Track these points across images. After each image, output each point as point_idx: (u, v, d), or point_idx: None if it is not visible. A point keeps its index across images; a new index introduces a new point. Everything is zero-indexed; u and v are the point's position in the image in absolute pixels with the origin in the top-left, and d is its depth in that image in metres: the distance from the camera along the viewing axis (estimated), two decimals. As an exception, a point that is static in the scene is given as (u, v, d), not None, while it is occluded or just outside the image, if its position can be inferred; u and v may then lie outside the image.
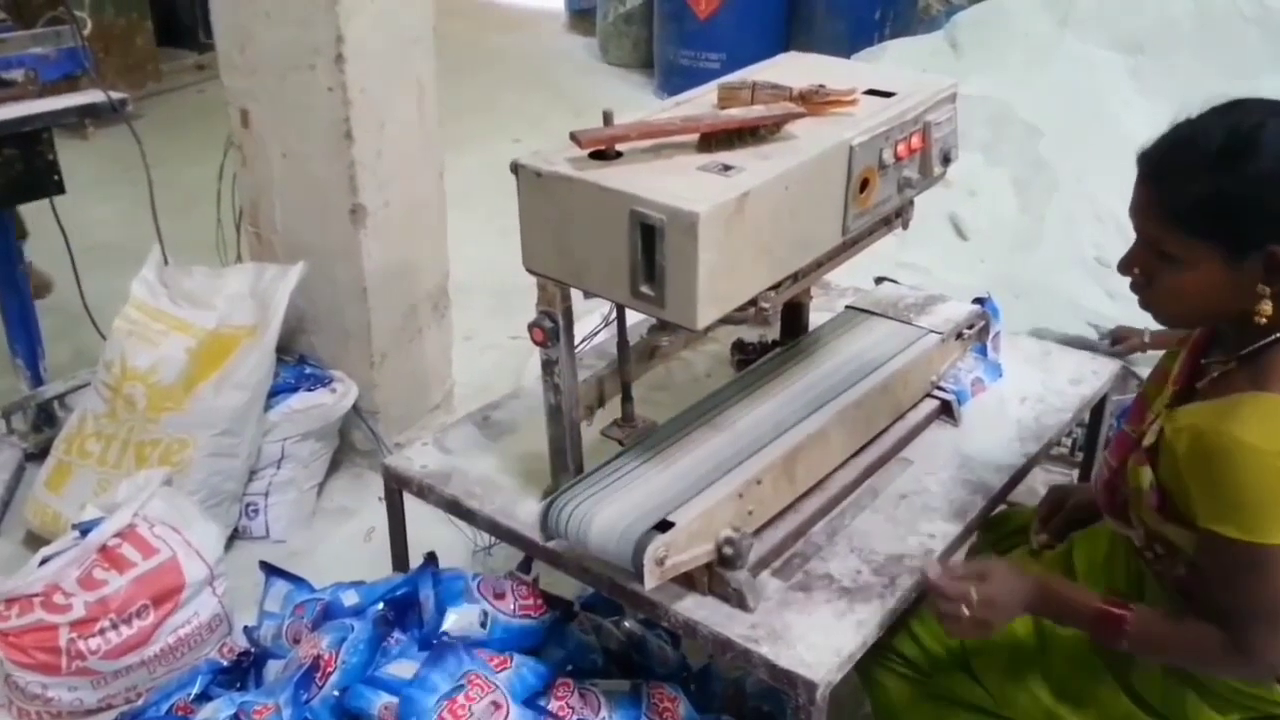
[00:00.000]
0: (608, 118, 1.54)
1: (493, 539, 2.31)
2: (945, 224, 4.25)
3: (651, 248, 1.44)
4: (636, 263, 1.46)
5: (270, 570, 2.47)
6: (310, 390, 2.75)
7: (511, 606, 1.82)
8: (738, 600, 1.61)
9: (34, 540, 2.62)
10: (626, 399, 1.81)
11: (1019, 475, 1.94)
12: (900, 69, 4.68)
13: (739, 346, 2.23)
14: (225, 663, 2.04)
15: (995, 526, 2.02)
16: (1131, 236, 1.58)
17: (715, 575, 1.62)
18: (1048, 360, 2.24)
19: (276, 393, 2.72)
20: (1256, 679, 1.53)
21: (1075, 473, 2.62)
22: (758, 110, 1.58)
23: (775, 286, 1.62)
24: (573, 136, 1.51)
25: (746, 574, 1.61)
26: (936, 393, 2.04)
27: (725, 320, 1.57)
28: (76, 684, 2.15)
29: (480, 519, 1.84)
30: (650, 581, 1.51)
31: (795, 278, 1.68)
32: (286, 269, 2.65)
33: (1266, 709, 1.56)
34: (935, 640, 1.78)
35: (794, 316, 2.18)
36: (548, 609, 1.85)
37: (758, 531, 1.70)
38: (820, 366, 1.95)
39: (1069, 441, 2.68)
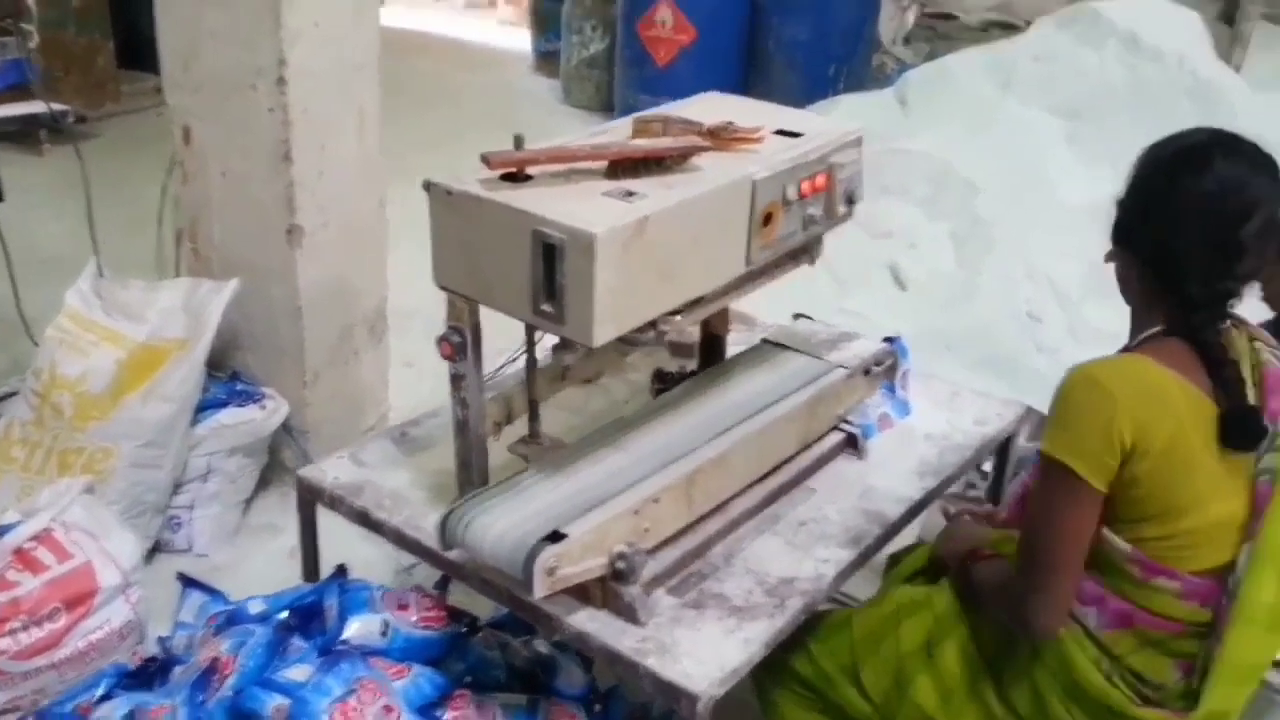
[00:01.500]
0: (518, 142, 1.61)
1: (416, 559, 2.34)
2: (885, 274, 4.36)
3: (552, 267, 1.50)
4: (538, 281, 1.52)
5: (187, 582, 2.49)
6: (240, 406, 2.77)
7: (414, 618, 1.85)
8: (629, 614, 1.66)
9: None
10: (534, 417, 1.86)
11: (916, 508, 2.00)
12: (842, 120, 4.83)
13: (659, 376, 2.29)
14: (131, 666, 2.05)
15: (902, 563, 2.09)
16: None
17: (609, 589, 1.66)
18: (955, 401, 2.32)
19: (206, 407, 2.74)
20: (1025, 629, 1.61)
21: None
22: (664, 142, 1.66)
23: (678, 311, 1.68)
24: (483, 158, 1.57)
25: (639, 589, 1.66)
26: (844, 426, 2.11)
27: (626, 341, 1.63)
28: (-18, 686, 2.15)
29: (388, 530, 1.88)
30: (539, 590, 1.55)
31: (700, 303, 1.74)
32: (221, 285, 2.68)
33: None
34: (828, 659, 1.83)
35: (712, 348, 2.25)
36: (450, 622, 1.88)
37: (655, 549, 1.74)
38: (729, 395, 2.01)
39: (983, 485, 2.75)
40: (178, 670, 1.98)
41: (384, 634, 1.81)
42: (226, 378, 2.87)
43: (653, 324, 1.62)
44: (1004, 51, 4.96)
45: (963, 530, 1.87)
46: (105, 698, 1.97)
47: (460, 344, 1.68)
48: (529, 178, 1.61)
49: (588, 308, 1.48)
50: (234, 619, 1.93)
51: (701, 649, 1.62)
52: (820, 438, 2.08)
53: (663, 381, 2.27)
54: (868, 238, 4.46)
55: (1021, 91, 4.68)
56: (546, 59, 7.50)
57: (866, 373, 2.15)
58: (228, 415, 2.75)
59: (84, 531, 2.29)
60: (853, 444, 2.10)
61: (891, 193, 4.53)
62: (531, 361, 1.80)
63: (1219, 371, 1.53)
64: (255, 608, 1.95)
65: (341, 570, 2.02)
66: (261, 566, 2.81)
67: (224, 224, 2.77)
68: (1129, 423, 1.48)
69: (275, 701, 1.66)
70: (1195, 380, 1.52)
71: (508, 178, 1.60)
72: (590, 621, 1.66)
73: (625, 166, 1.62)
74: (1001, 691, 1.69)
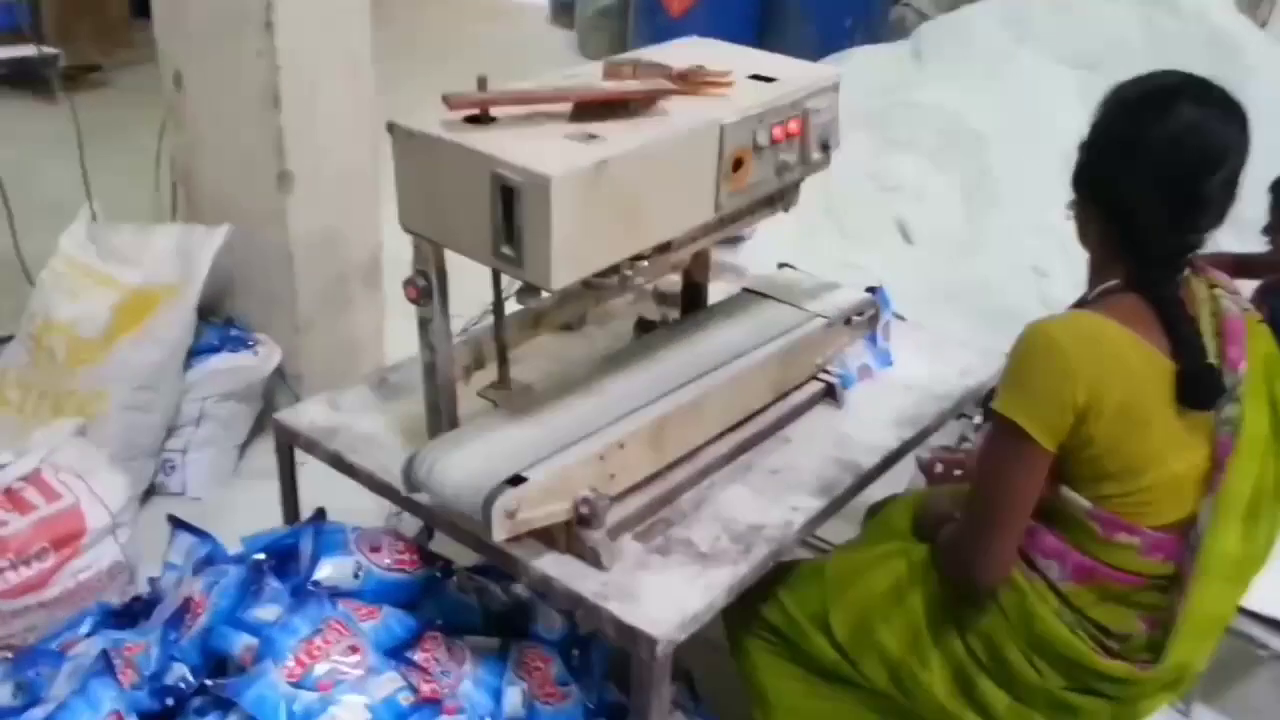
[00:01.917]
0: (481, 83, 1.59)
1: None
2: (891, 226, 4.32)
3: (511, 209, 1.49)
4: (498, 223, 1.51)
5: (176, 524, 2.52)
6: (233, 352, 2.80)
7: (386, 560, 1.86)
8: (593, 559, 1.66)
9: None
10: (503, 361, 1.86)
11: (892, 458, 2.00)
12: (855, 72, 4.74)
13: (642, 324, 2.28)
14: (116, 605, 2.08)
15: (885, 513, 2.09)
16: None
17: (574, 534, 1.67)
18: (939, 351, 2.30)
19: (199, 353, 2.77)
20: (968, 583, 1.63)
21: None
22: (630, 84, 1.64)
23: (644, 257, 1.67)
24: (444, 99, 1.56)
25: (603, 534, 1.67)
26: (822, 376, 2.10)
27: (592, 286, 1.62)
28: (-27, 622, 2.19)
29: (360, 474, 1.89)
30: (499, 534, 1.56)
31: (668, 249, 1.73)
32: (213, 230, 2.70)
33: (1086, 678, 1.62)
34: (799, 607, 1.84)
35: (693, 296, 2.24)
36: (423, 565, 1.90)
37: (622, 495, 1.75)
38: (705, 343, 2.00)
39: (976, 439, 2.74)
40: (158, 609, 2.01)
41: (356, 576, 1.83)
42: (220, 323, 2.90)
43: (616, 269, 1.62)
44: (1022, 3, 4.86)
45: (935, 499, 1.86)
46: (88, 636, 2.00)
47: (426, 288, 1.68)
48: (493, 120, 1.60)
49: (545, 251, 1.47)
50: (211, 559, 1.95)
51: (664, 595, 1.63)
52: (798, 387, 2.07)
53: (645, 330, 2.27)
54: (875, 191, 4.42)
55: (1037, 43, 4.59)
56: (563, 10, 7.43)
57: (847, 322, 2.13)
58: (220, 361, 2.78)
59: (73, 473, 2.33)
60: (831, 394, 2.09)
61: (901, 146, 4.48)
62: (499, 306, 1.80)
63: (1176, 329, 1.50)
64: (233, 549, 1.97)
65: (320, 514, 2.04)
66: (255, 510, 2.83)
67: (215, 170, 2.78)
68: (1083, 383, 1.47)
69: (244, 641, 1.69)
70: (1152, 338, 1.51)
71: (471, 120, 1.59)
72: (554, 565, 1.67)
73: (590, 110, 1.60)
74: (966, 640, 1.70)
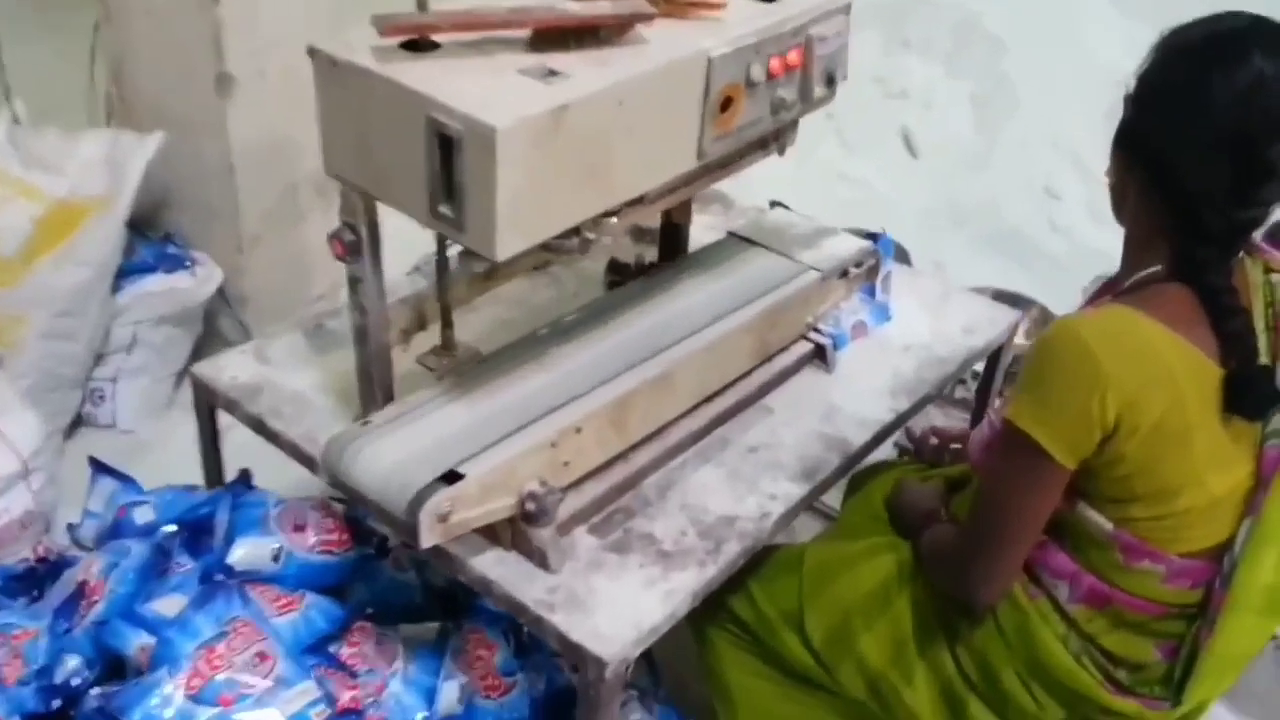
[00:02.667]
0: (421, 3, 1.32)
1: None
2: (895, 137, 4.03)
3: (450, 162, 1.23)
4: (435, 178, 1.26)
5: (97, 467, 2.30)
6: (169, 272, 2.54)
7: (310, 540, 1.66)
8: (540, 560, 1.46)
9: None
10: (446, 324, 1.62)
11: (884, 433, 1.78)
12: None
13: (613, 267, 2.04)
14: (18, 569, 1.88)
15: (863, 483, 1.89)
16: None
17: (519, 530, 1.46)
18: (944, 305, 2.06)
19: (131, 272, 2.51)
20: (964, 597, 1.45)
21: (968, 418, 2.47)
22: (602, 7, 1.36)
23: (612, 214, 1.42)
24: (375, 21, 1.28)
25: (552, 532, 1.45)
26: (812, 335, 1.86)
27: (546, 249, 1.38)
28: None
29: (284, 443, 1.67)
30: (428, 539, 1.34)
31: (639, 204, 1.48)
32: (144, 138, 2.42)
33: (1089, 712, 1.44)
34: (770, 603, 1.66)
35: (673, 237, 1.99)
36: (353, 545, 1.69)
37: (578, 482, 1.53)
38: (681, 300, 1.76)
39: (973, 384, 2.52)
40: (66, 577, 1.81)
41: (275, 559, 1.62)
42: (158, 239, 2.63)
43: (577, 230, 1.37)
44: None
45: (916, 491, 1.65)
46: (-14, 604, 1.81)
47: (354, 243, 1.43)
48: (436, 47, 1.32)
49: (489, 215, 1.22)
50: (116, 530, 1.74)
51: (617, 603, 1.43)
52: (784, 349, 1.83)
53: (617, 273, 2.03)
54: (881, 97, 4.12)
55: (1066, -64, 4.24)
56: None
57: (843, 275, 1.89)
58: (154, 282, 2.52)
59: (-20, 412, 2.10)
60: (820, 355, 1.86)
61: (911, 47, 4.16)
62: (442, 262, 1.55)
63: (1226, 324, 1.27)
64: (142, 516, 1.76)
65: (244, 477, 1.83)
66: (191, 444, 2.62)
67: (149, 70, 2.48)
68: (1115, 397, 1.24)
69: (140, 640, 1.49)
70: (1196, 337, 1.28)
71: (409, 46, 1.32)
72: (496, 565, 1.47)
73: (552, 37, 1.33)
74: (956, 655, 1.51)
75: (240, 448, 1.91)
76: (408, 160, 1.27)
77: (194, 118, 2.44)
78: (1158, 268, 1.33)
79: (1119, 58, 3.92)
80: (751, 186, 2.60)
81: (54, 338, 2.35)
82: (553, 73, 1.29)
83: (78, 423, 2.55)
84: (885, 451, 2.08)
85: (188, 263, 2.57)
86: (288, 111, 2.52)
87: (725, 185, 2.36)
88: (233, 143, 2.45)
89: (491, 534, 1.48)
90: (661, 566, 1.49)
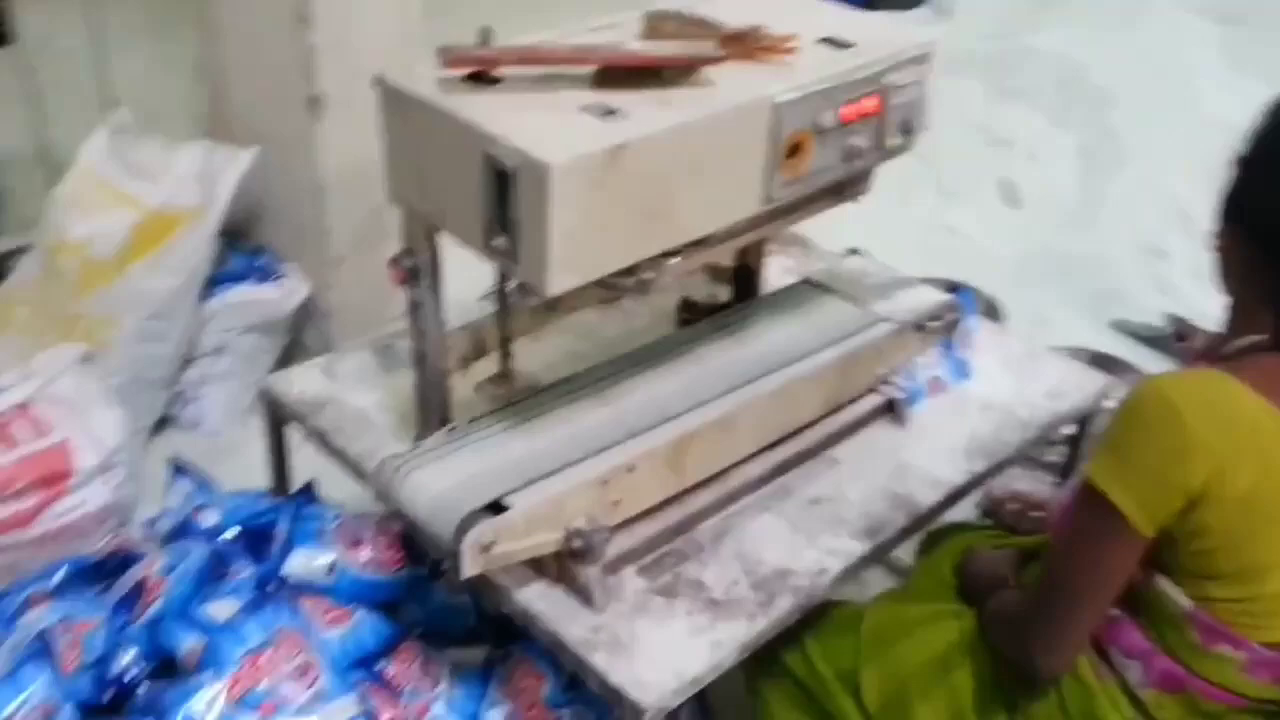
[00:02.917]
0: (485, 35, 1.33)
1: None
2: (996, 187, 3.94)
3: (505, 197, 1.24)
4: (490, 211, 1.26)
5: (177, 467, 2.36)
6: (258, 283, 2.60)
7: (364, 557, 1.67)
8: (585, 597, 1.44)
9: (-42, 401, 2.54)
10: (505, 354, 1.63)
11: (955, 495, 1.72)
12: (968, 11, 4.28)
13: (686, 305, 2.02)
14: (90, 560, 1.93)
15: (938, 542, 1.83)
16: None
17: (565, 566, 1.45)
18: (1030, 365, 1.99)
19: (222, 281, 2.58)
20: (1026, 665, 1.37)
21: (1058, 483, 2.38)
22: (668, 48, 1.35)
23: (673, 254, 1.41)
24: (440, 53, 1.30)
25: (598, 571, 1.44)
26: (884, 388, 1.82)
27: (602, 286, 1.37)
28: (-48, 556, 2.07)
29: (346, 459, 1.69)
30: (470, 569, 1.34)
31: (702, 245, 1.46)
32: (238, 153, 2.49)
33: None
34: (826, 661, 1.60)
35: (745, 280, 1.96)
36: (406, 564, 1.70)
37: (629, 522, 1.52)
38: (749, 345, 1.74)
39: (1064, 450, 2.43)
40: (133, 572, 1.86)
41: (330, 572, 1.64)
42: (250, 250, 2.70)
43: (633, 269, 1.36)
44: (1165, -59, 4.36)
45: (987, 557, 1.59)
46: (59, 590, 1.85)
47: (413, 268, 1.45)
48: (497, 81, 1.33)
49: (542, 250, 1.22)
50: (182, 531, 1.78)
51: (662, 649, 1.40)
52: (855, 400, 1.79)
53: (690, 312, 2.01)
54: (983, 145, 4.03)
55: (1178, -9, 4.12)
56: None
57: (919, 328, 1.84)
58: (243, 291, 2.59)
59: (67, 407, 2.18)
60: (892, 410, 1.81)
61: (1015, 96, 4.07)
62: (502, 292, 1.55)
63: None
64: (208, 520, 1.79)
65: (309, 488, 1.85)
66: (270, 451, 2.69)
67: (245, 88, 2.55)
68: (1202, 463, 1.17)
69: (191, 641, 1.51)
70: None
71: (473, 79, 1.33)
72: (541, 598, 1.46)
73: (616, 76, 1.33)
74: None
75: (315, 459, 1.95)
76: (465, 191, 1.28)
77: (286, 136, 2.51)
78: (1263, 336, 1.26)
79: (1231, 114, 3.79)
80: (840, 232, 2.57)
81: (144, 340, 2.43)
82: (613, 111, 1.28)
83: (164, 423, 2.63)
84: (966, 513, 2.02)
85: (276, 275, 2.63)
86: (376, 136, 2.56)
87: (811, 229, 2.34)
88: (322, 163, 2.50)
89: (539, 567, 1.48)
90: (710, 615, 1.46)
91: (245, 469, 2.34)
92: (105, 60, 2.81)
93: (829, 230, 2.53)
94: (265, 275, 2.62)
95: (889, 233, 3.46)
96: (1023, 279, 3.43)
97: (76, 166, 2.50)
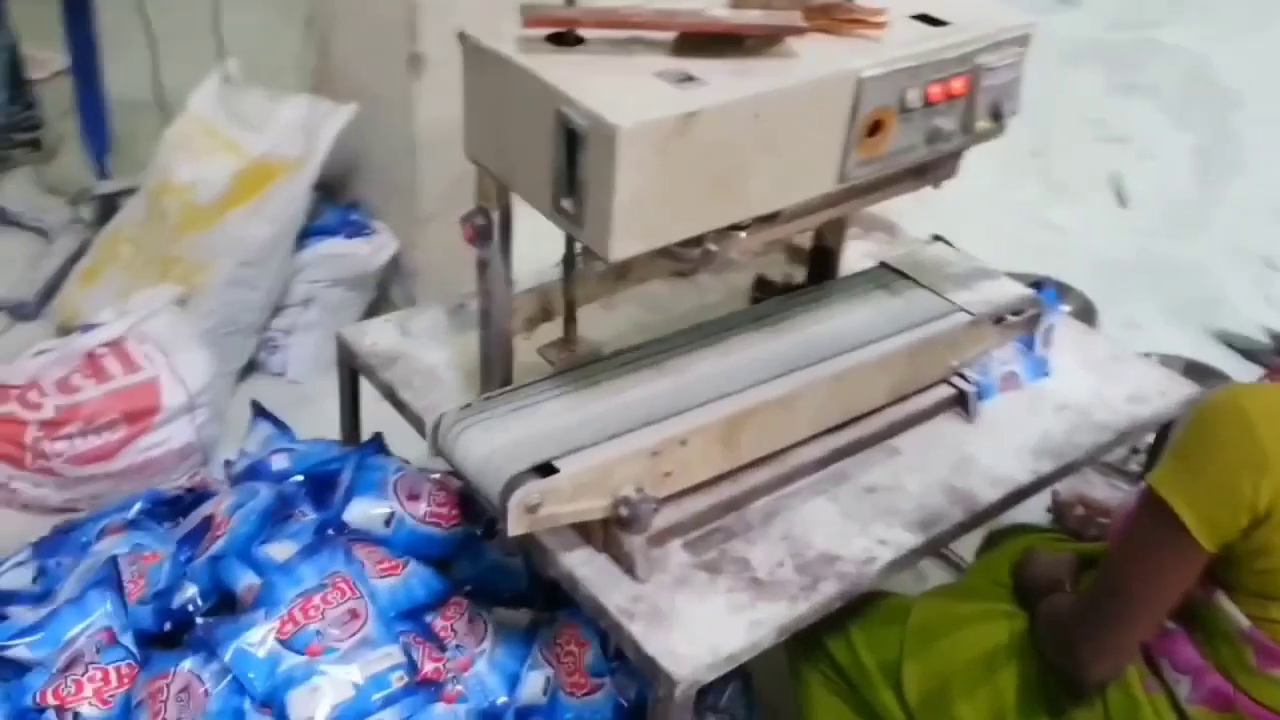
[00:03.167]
0: (571, -3, 1.33)
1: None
2: (1105, 184, 3.81)
3: (574, 158, 1.24)
4: (560, 171, 1.26)
5: (258, 411, 2.43)
6: (349, 238, 2.67)
7: (422, 511, 1.70)
8: (628, 566, 1.44)
9: (64, 330, 2.65)
10: (570, 319, 1.63)
11: (1018, 495, 1.67)
12: None
13: (760, 284, 2.00)
14: (167, 495, 2.01)
15: (1000, 542, 1.79)
16: None
17: (611, 534, 1.45)
18: (1113, 368, 1.92)
19: (314, 233, 2.64)
20: (1074, 670, 1.34)
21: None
22: (752, 16, 1.33)
23: (742, 227, 1.39)
24: (521, 11, 1.30)
25: (643, 541, 1.44)
26: (955, 380, 1.77)
27: (667, 256, 1.36)
28: (41, 481, 2.17)
29: (409, 413, 1.72)
30: (515, 528, 1.35)
31: (773, 221, 1.44)
32: (339, 108, 2.54)
33: None
34: (870, 651, 1.59)
35: (823, 261, 1.93)
36: (462, 521, 1.72)
37: (678, 495, 1.51)
38: (819, 325, 1.71)
39: (1144, 458, 2.35)
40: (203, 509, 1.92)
41: (387, 523, 1.67)
42: (344, 205, 2.76)
43: (700, 240, 1.34)
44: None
45: (1044, 560, 1.55)
46: (135, 523, 1.93)
47: (485, 226, 1.46)
48: (580, 42, 1.33)
49: (606, 214, 1.22)
50: (252, 472, 1.83)
51: (699, 623, 1.40)
52: (924, 390, 1.76)
53: (763, 290, 1.99)
54: (1095, 140, 3.90)
55: (1322, -10, 3.91)
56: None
57: (997, 321, 1.79)
58: (334, 245, 2.65)
59: (159, 346, 2.26)
60: (962, 403, 1.77)
61: (1135, 91, 3.92)
62: (570, 257, 1.56)
63: None
64: (279, 463, 1.84)
65: (377, 439, 1.89)
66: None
67: (349, 44, 2.60)
68: (1273, 482, 1.12)
69: (249, 579, 1.56)
70: None
71: (555, 39, 1.33)
72: (585, 564, 1.46)
73: (697, 42, 1.31)
74: None
75: (390, 413, 1.98)
76: (537, 152, 1.28)
77: (386, 94, 2.55)
78: None
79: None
80: (936, 219, 2.51)
81: (237, 285, 2.50)
82: (690, 78, 1.27)
83: (251, 368, 2.71)
84: (1035, 515, 1.97)
85: (367, 230, 2.68)
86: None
87: (903, 216, 2.29)
88: (418, 122, 2.53)
89: (586, 533, 1.48)
90: (751, 594, 1.45)
91: (324, 419, 2.38)
92: (221, 12, 2.89)
93: (923, 217, 2.48)
94: (356, 230, 2.68)
95: (989, 224, 3.38)
96: (1124, 281, 3.32)
97: (186, 112, 2.59)
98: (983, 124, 1.51)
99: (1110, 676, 1.33)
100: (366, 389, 1.94)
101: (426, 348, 1.82)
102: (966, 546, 2.02)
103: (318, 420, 2.38)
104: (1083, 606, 1.35)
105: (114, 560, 1.63)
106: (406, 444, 1.97)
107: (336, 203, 2.76)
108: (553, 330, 1.71)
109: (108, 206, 2.97)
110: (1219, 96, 3.73)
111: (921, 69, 1.39)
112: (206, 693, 1.44)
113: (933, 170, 1.59)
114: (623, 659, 1.72)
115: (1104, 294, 3.08)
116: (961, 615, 1.56)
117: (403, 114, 2.54)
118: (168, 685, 1.47)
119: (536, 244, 1.66)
